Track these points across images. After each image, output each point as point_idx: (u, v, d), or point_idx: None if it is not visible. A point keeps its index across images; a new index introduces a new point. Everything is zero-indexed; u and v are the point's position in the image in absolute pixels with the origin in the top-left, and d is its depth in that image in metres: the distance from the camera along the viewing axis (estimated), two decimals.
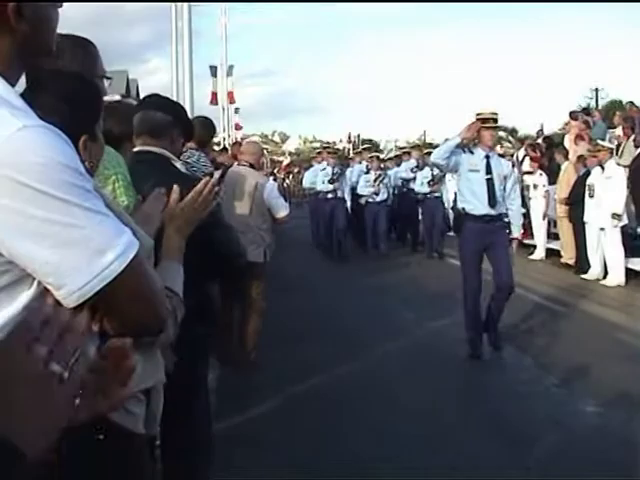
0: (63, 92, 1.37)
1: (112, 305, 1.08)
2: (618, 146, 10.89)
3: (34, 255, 0.99)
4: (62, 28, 1.23)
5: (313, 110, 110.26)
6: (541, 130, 17.75)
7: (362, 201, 12.29)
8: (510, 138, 27.32)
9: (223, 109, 22.12)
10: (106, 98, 1.90)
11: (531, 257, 11.46)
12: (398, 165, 14.13)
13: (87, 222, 1.02)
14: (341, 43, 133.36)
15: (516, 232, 5.98)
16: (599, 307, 7.67)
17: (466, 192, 5.72)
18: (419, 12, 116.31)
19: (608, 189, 8.92)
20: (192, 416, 2.67)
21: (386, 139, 46.85)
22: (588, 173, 9.56)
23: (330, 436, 4.06)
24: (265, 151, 9.42)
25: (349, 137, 39.23)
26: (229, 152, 8.59)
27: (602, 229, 9.13)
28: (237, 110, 25.77)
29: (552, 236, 11.63)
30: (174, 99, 3.94)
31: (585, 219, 9.48)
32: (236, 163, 5.75)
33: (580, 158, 10.21)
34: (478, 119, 5.67)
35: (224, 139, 19.64)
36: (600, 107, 27.27)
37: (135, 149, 2.50)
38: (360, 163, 13.01)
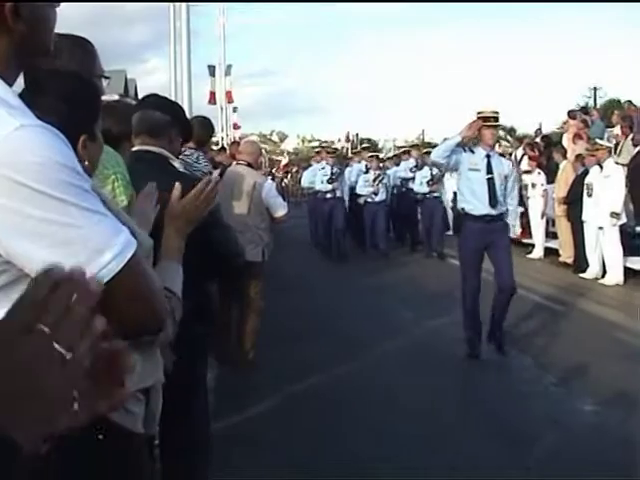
0: (62, 92, 1.37)
1: (110, 305, 1.08)
2: (616, 145, 10.91)
3: (31, 255, 0.99)
4: (60, 28, 1.23)
5: (312, 110, 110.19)
6: (539, 129, 17.80)
7: (361, 201, 12.27)
8: (508, 137, 27.25)
9: (221, 109, 22.10)
10: (104, 98, 1.90)
11: (529, 256, 11.46)
12: (397, 165, 14.13)
13: (85, 222, 1.02)
14: (340, 43, 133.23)
15: (512, 231, 5.97)
16: (597, 306, 7.68)
17: (466, 192, 5.69)
18: (418, 12, 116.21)
19: (606, 188, 8.92)
20: (191, 416, 2.68)
21: (385, 138, 46.98)
22: (586, 172, 9.56)
23: (328, 436, 4.06)
24: (263, 150, 9.42)
25: (347, 136, 39.13)
26: (227, 151, 8.61)
27: (600, 228, 9.13)
28: (235, 109, 25.76)
29: (550, 235, 11.64)
30: (172, 99, 3.95)
31: (583, 218, 9.47)
32: (234, 162, 5.74)
33: (578, 157, 10.20)
34: (479, 118, 5.62)
35: (222, 139, 19.64)
36: (598, 106, 27.28)
37: (134, 148, 2.51)
38: (359, 163, 12.97)
